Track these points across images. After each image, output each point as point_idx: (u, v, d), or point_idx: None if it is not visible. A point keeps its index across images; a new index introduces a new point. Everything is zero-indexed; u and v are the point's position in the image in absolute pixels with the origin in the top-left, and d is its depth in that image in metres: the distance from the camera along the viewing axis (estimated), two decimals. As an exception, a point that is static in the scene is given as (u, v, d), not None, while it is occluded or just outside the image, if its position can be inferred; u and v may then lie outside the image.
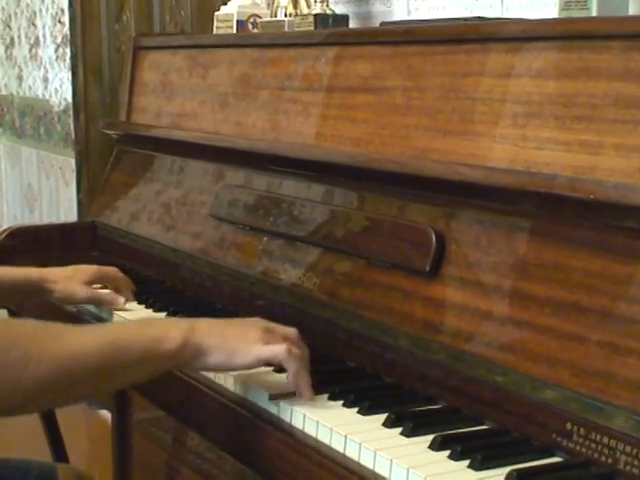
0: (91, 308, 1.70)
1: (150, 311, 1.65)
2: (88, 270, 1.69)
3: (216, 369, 1.25)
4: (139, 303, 1.69)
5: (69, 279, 1.65)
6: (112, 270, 1.72)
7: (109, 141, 2.43)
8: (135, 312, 1.64)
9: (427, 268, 1.27)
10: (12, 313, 1.98)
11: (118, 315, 1.62)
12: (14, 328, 1.14)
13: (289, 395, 1.22)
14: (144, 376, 1.23)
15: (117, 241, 2.08)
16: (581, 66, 1.17)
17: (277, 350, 1.20)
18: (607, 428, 1.01)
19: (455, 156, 1.31)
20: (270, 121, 1.73)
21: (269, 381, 1.26)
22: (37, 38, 4.14)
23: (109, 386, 1.25)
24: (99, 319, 1.65)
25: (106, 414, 3.24)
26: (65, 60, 3.81)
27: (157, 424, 2.16)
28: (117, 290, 1.69)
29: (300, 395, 1.21)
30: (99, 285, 1.71)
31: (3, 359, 1.06)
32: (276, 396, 1.23)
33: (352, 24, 2.04)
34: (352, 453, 1.09)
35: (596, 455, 1.02)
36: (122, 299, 1.65)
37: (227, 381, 1.30)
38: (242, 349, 1.20)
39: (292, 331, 1.26)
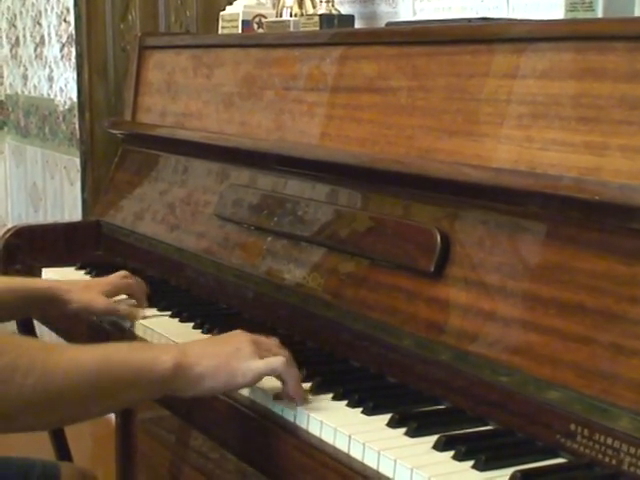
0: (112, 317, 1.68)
1: (154, 310, 1.64)
2: (104, 282, 1.66)
3: (217, 392, 1.23)
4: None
5: (86, 289, 1.62)
6: (130, 280, 1.68)
7: (114, 140, 2.44)
8: (154, 319, 1.62)
9: (432, 269, 1.27)
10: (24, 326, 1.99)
11: (140, 324, 1.60)
12: (3, 339, 1.13)
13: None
14: (134, 400, 1.22)
15: (121, 240, 2.08)
16: (587, 67, 1.17)
17: (276, 363, 1.20)
18: (611, 429, 1.01)
19: (460, 157, 1.31)
20: (275, 121, 1.73)
21: (274, 382, 1.26)
22: (42, 37, 4.15)
23: (98, 407, 1.20)
24: (119, 327, 1.64)
25: (110, 414, 3.24)
26: (70, 59, 3.81)
27: (161, 424, 2.16)
28: (132, 296, 1.68)
29: (299, 402, 1.21)
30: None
31: None
32: (280, 395, 1.23)
33: (357, 24, 2.04)
34: (356, 453, 1.09)
35: (600, 456, 1.02)
36: (141, 312, 1.62)
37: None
38: (241, 368, 1.18)
39: (275, 340, 1.26)
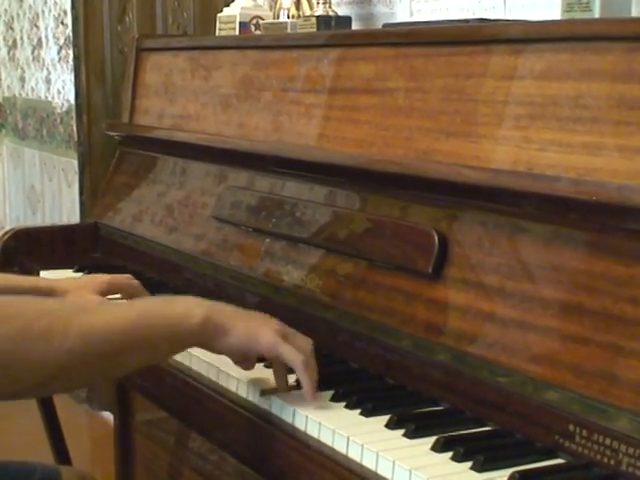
0: None
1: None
2: (101, 280, 1.64)
3: (236, 349, 1.23)
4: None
5: (81, 289, 1.60)
6: (125, 278, 1.67)
7: (112, 142, 2.44)
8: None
9: (430, 270, 1.27)
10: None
11: None
12: (37, 303, 1.14)
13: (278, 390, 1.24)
14: (165, 353, 1.24)
15: (119, 242, 2.08)
16: (584, 68, 1.17)
17: (296, 356, 1.20)
18: (609, 430, 1.01)
19: (458, 158, 1.31)
20: (273, 123, 1.73)
21: (271, 382, 1.26)
22: (40, 39, 4.15)
23: (134, 362, 1.21)
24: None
25: (108, 416, 3.24)
26: (68, 61, 3.81)
27: (159, 425, 2.16)
28: (133, 296, 1.65)
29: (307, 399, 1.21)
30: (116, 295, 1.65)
31: (27, 331, 1.05)
32: (268, 391, 1.23)
33: (354, 26, 2.04)
34: (354, 455, 1.09)
35: (598, 457, 1.02)
36: None
37: (230, 382, 1.30)
38: (265, 334, 1.21)
39: (304, 339, 1.26)
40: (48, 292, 1.59)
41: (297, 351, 1.21)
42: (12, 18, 4.49)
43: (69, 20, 3.74)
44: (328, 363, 1.38)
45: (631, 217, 1.06)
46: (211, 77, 1.96)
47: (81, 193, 3.72)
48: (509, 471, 1.00)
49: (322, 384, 1.25)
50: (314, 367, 1.22)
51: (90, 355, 1.11)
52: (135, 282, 1.67)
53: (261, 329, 1.22)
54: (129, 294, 1.67)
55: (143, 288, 1.67)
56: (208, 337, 1.20)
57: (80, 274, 1.95)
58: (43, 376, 1.09)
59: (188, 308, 1.20)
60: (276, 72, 1.74)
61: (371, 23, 2.11)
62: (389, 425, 1.14)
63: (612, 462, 1.00)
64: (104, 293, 1.63)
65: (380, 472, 1.05)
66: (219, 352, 1.25)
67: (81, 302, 1.18)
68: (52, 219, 4.09)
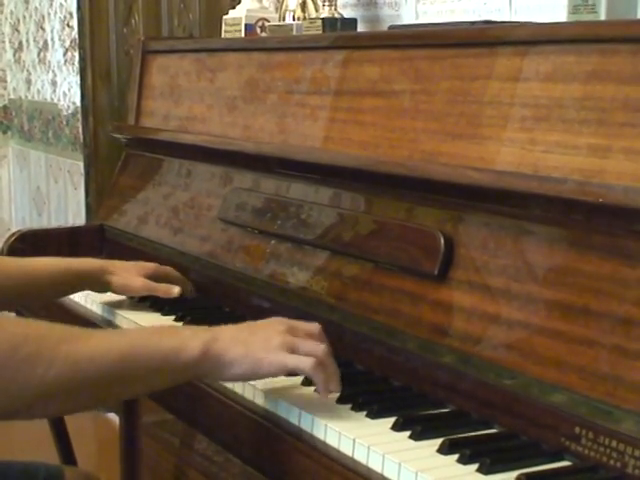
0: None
1: (159, 314, 1.65)
2: (147, 265, 1.72)
3: (241, 379, 1.24)
4: (148, 307, 1.69)
5: (127, 271, 1.68)
6: (170, 269, 1.74)
7: (117, 144, 2.44)
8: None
9: (435, 272, 1.27)
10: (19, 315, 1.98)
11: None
12: (26, 326, 1.13)
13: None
14: (160, 385, 1.21)
15: (125, 244, 2.08)
16: (590, 70, 1.17)
17: (303, 364, 1.18)
18: (616, 432, 1.01)
19: (463, 160, 1.31)
20: (278, 124, 1.73)
21: (277, 384, 1.26)
22: (45, 42, 4.15)
23: (123, 393, 1.21)
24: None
25: (114, 417, 3.24)
26: (73, 64, 3.82)
27: (165, 427, 2.16)
28: (172, 282, 1.71)
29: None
30: None
31: (12, 356, 1.05)
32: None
33: (360, 28, 2.04)
34: (360, 457, 1.09)
35: (605, 459, 1.02)
36: (177, 288, 1.67)
37: (235, 385, 1.30)
38: (267, 358, 1.18)
39: (315, 327, 1.25)
40: (101, 273, 1.66)
41: (304, 358, 1.19)
42: (18, 20, 4.50)
43: (75, 22, 3.74)
44: (334, 365, 1.38)
45: (637, 219, 1.06)
46: (217, 79, 1.96)
47: (87, 195, 3.73)
48: (515, 473, 1.00)
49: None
50: (329, 364, 1.20)
51: (76, 383, 1.09)
52: (178, 274, 1.74)
53: (263, 353, 1.18)
54: (172, 282, 1.71)
55: (185, 279, 1.73)
56: (208, 370, 1.18)
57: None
58: (26, 400, 1.07)
59: (184, 341, 1.17)
60: (281, 74, 1.74)
61: (377, 25, 2.11)
62: (395, 427, 1.14)
63: (618, 464, 1.00)
64: (150, 277, 1.68)
65: (386, 474, 1.05)
66: (225, 381, 1.24)
67: (72, 328, 1.17)
68: (58, 221, 4.10)
